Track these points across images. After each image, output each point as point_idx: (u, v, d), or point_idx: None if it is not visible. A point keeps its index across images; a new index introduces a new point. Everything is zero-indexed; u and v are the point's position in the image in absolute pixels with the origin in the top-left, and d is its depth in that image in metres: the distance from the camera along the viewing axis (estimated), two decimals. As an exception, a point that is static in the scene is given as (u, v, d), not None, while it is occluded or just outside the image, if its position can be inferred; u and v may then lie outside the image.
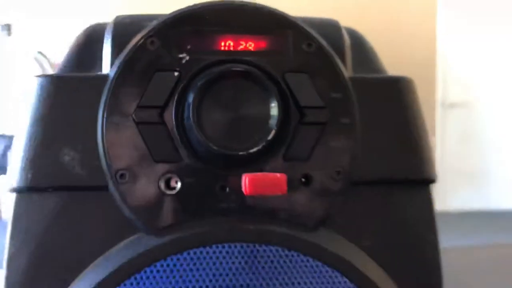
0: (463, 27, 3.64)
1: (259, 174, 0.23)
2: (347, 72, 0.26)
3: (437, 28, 3.63)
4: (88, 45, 0.28)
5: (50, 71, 2.84)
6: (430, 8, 3.61)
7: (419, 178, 0.27)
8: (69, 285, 0.24)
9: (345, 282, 0.24)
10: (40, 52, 2.89)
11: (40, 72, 2.80)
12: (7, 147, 2.69)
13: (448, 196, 3.71)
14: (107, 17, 0.30)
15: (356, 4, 3.51)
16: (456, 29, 3.65)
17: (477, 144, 3.74)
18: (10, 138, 2.42)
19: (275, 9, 0.26)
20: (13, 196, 0.25)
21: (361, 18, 3.44)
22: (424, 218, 0.27)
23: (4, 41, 3.47)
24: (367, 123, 0.26)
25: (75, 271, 0.24)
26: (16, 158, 0.25)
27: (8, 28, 3.52)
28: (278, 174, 0.23)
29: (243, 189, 0.23)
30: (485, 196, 3.75)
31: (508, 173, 3.73)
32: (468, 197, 3.70)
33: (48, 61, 2.92)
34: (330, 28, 0.27)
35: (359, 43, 0.29)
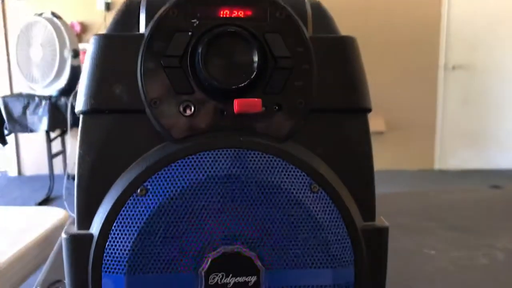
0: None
1: (243, 99, 0.35)
2: (308, 33, 0.38)
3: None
4: (128, 12, 0.39)
5: (64, 31, 2.92)
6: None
7: (358, 107, 0.38)
8: (120, 175, 0.37)
9: (303, 175, 0.37)
10: (53, 13, 2.97)
11: (54, 31, 2.85)
12: (26, 106, 2.79)
13: (449, 155, 3.83)
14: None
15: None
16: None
17: (478, 105, 3.82)
18: (27, 97, 2.52)
19: (259, -12, 0.37)
20: (81, 117, 0.37)
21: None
22: (361, 137, 0.39)
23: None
24: (321, 68, 0.37)
25: (123, 167, 0.37)
26: (82, 90, 0.37)
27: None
28: (255, 99, 0.35)
29: (234, 109, 0.35)
30: (484, 156, 3.86)
31: (507, 134, 3.82)
32: (468, 157, 3.82)
33: (62, 21, 3.00)
34: (297, 1, 0.39)
35: (320, 12, 0.40)
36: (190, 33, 0.36)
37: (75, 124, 2.91)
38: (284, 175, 0.36)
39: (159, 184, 0.35)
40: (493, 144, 3.85)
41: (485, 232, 0.81)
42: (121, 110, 0.36)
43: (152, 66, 0.36)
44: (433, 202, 1.03)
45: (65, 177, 3.12)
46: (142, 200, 0.35)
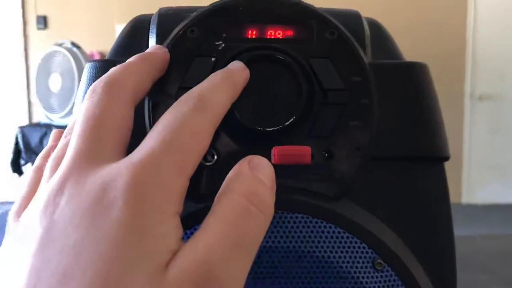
0: (494, 18, 3.57)
1: (286, 146, 0.26)
2: (366, 58, 0.29)
3: (467, 20, 3.57)
4: (134, 34, 0.31)
5: (83, 61, 2.91)
6: (461, 1, 3.55)
7: (432, 155, 0.29)
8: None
9: (363, 247, 0.27)
10: (73, 43, 2.97)
11: (73, 61, 2.86)
12: (43, 136, 2.77)
13: (476, 188, 3.67)
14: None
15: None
16: (486, 21, 3.58)
17: (506, 136, 3.68)
18: (45, 127, 2.49)
19: (301, 1, 0.29)
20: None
21: (393, 10, 3.42)
22: (437, 193, 0.30)
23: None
24: (385, 104, 0.28)
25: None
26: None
27: (44, 20, 3.64)
28: (303, 147, 0.26)
29: (272, 159, 0.26)
30: (513, 189, 3.70)
31: (538, 167, 3.66)
32: (496, 190, 3.65)
33: (81, 50, 3.00)
34: (351, 18, 0.30)
35: (378, 32, 0.31)
36: (213, 59, 0.28)
37: (91, 154, 2.86)
38: (338, 247, 0.27)
39: (170, 258, 0.26)
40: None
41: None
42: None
43: (163, 102, 0.27)
44: (480, 249, 0.92)
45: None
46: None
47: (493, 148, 3.67)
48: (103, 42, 3.63)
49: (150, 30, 0.30)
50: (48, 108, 2.97)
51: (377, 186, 0.29)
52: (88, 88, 0.28)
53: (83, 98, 0.28)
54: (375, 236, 0.27)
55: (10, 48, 3.67)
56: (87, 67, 0.29)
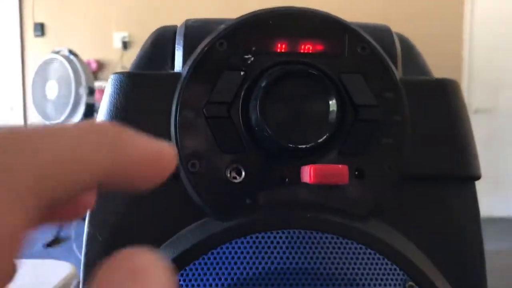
0: (489, 35, 3.60)
1: (323, 165, 0.25)
2: (398, 74, 0.28)
3: (464, 36, 3.60)
4: (158, 45, 0.30)
5: (80, 68, 2.90)
6: (457, 16, 3.58)
7: (465, 175, 0.28)
8: (142, 263, 0.27)
9: (394, 269, 0.26)
10: (70, 50, 2.96)
11: (70, 69, 2.85)
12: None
13: (471, 202, 3.68)
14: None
15: (384, 12, 3.50)
16: (481, 37, 3.60)
17: (502, 150, 3.69)
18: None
19: (332, 15, 0.28)
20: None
21: (389, 23, 3.45)
22: (469, 212, 0.29)
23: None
24: (417, 121, 0.28)
25: (147, 251, 0.27)
26: (95, 147, 0.27)
27: (41, 27, 3.63)
28: (340, 166, 0.25)
29: (307, 178, 0.25)
30: (508, 203, 3.70)
31: (534, 181, 3.67)
32: (493, 203, 3.65)
33: (78, 58, 2.99)
34: (382, 33, 0.29)
35: (408, 48, 0.31)
36: (243, 73, 0.27)
37: (87, 162, 2.84)
38: (369, 269, 0.26)
39: (196, 280, 0.25)
40: (519, 191, 3.70)
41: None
42: (146, 174, 0.27)
43: (191, 116, 0.26)
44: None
45: (75, 217, 3.02)
46: (172, 300, 0.25)
47: (488, 161, 3.67)
48: (101, 50, 3.61)
49: (176, 42, 0.29)
50: (44, 115, 2.95)
51: (409, 205, 0.28)
52: (112, 101, 0.27)
53: (107, 112, 0.27)
54: (406, 258, 0.26)
55: (7, 55, 3.64)
56: (111, 79, 0.28)
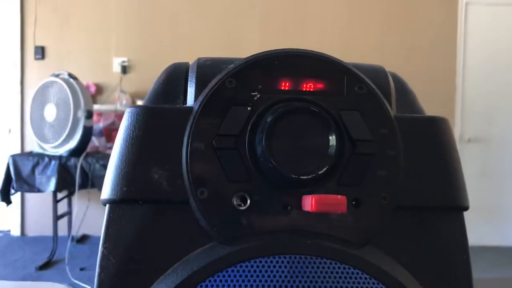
0: (481, 66, 3.67)
1: (323, 195, 0.27)
2: (392, 111, 0.31)
3: (457, 67, 3.67)
4: (171, 81, 0.32)
5: (79, 92, 2.93)
6: (451, 47, 3.65)
7: (454, 205, 0.31)
8: (151, 284, 0.28)
9: (388, 293, 0.28)
10: (70, 74, 2.99)
11: (69, 92, 2.87)
12: (35, 166, 2.74)
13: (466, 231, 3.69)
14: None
15: (379, 43, 3.58)
16: (474, 68, 3.67)
17: (495, 179, 3.72)
18: (37, 156, 2.48)
19: (332, 56, 0.31)
20: (107, 207, 0.30)
21: (387, 60, 3.52)
22: (458, 241, 0.31)
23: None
24: (409, 156, 0.30)
25: (157, 273, 0.28)
26: (110, 175, 0.30)
27: (42, 50, 3.67)
28: (339, 196, 0.27)
29: (308, 207, 0.27)
30: (502, 232, 3.71)
31: (527, 211, 3.69)
32: (486, 233, 3.66)
33: (78, 82, 3.02)
34: (378, 73, 0.32)
35: (401, 86, 0.33)
36: (249, 108, 0.29)
37: (83, 185, 2.83)
38: (365, 292, 0.28)
39: (203, 300, 0.27)
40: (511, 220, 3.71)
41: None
42: (159, 201, 0.29)
43: (201, 147, 0.29)
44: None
45: (69, 239, 3.00)
46: (180, 320, 0.27)
47: (481, 191, 3.70)
48: (101, 74, 3.65)
49: (189, 78, 0.31)
50: (42, 137, 2.96)
51: (402, 234, 0.30)
52: (127, 133, 0.30)
53: (123, 142, 0.29)
54: (399, 283, 0.28)
55: (7, 77, 3.68)
56: (127, 113, 0.30)
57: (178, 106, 0.31)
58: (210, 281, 0.28)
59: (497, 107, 3.71)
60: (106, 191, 0.29)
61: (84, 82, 3.12)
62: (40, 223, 3.68)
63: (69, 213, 3.39)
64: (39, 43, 3.71)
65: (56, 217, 3.07)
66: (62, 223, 3.33)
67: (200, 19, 3.63)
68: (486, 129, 3.72)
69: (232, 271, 0.28)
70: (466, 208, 0.31)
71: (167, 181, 0.29)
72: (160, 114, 0.30)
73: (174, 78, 0.32)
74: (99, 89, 3.70)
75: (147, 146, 0.29)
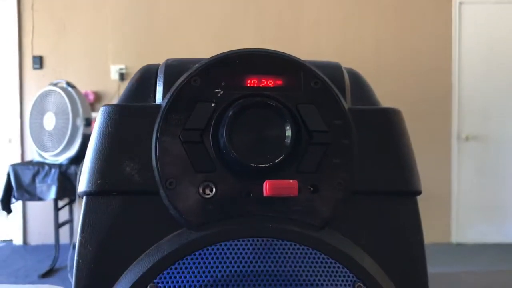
0: (477, 64, 3.69)
1: (276, 180, 0.29)
2: (346, 104, 0.33)
3: (453, 66, 3.69)
4: (143, 81, 0.35)
5: (78, 100, 2.95)
6: (446, 46, 3.68)
7: (407, 190, 0.33)
8: (126, 269, 0.31)
9: (345, 272, 0.30)
10: (68, 82, 3.02)
11: (67, 100, 2.89)
12: (35, 174, 2.76)
13: (466, 228, 3.69)
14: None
15: (375, 44, 3.60)
16: (470, 66, 3.70)
17: (493, 177, 3.73)
18: (37, 165, 2.50)
19: (290, 55, 0.33)
20: (84, 198, 0.32)
21: (384, 61, 3.54)
22: (412, 223, 0.33)
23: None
24: (364, 144, 0.32)
25: (131, 258, 0.31)
26: (86, 169, 0.32)
27: (40, 60, 3.70)
28: (290, 180, 0.29)
29: (264, 192, 0.29)
30: (501, 229, 3.72)
31: (526, 207, 3.70)
32: (486, 230, 3.68)
33: (76, 90, 3.05)
34: (333, 70, 0.34)
35: (357, 80, 0.36)
36: (213, 104, 0.31)
37: (83, 192, 2.85)
38: (323, 271, 0.30)
39: (172, 282, 0.29)
40: (510, 217, 3.72)
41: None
42: (131, 192, 0.31)
43: (169, 141, 0.31)
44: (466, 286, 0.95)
45: (71, 247, 3.03)
46: (152, 301, 0.29)
47: (480, 188, 3.71)
48: (98, 82, 3.69)
49: (157, 78, 0.34)
50: (41, 146, 2.99)
51: (359, 217, 0.32)
52: (100, 131, 0.32)
53: (97, 139, 0.32)
54: (356, 262, 0.30)
55: (6, 87, 3.71)
56: (102, 111, 0.32)
57: (147, 104, 0.33)
58: (179, 263, 0.30)
59: (494, 105, 3.73)
60: (83, 184, 0.32)
61: (82, 90, 3.15)
62: (42, 231, 3.70)
63: (70, 220, 3.41)
64: (37, 52, 3.74)
65: (58, 225, 3.09)
66: (64, 231, 3.35)
67: (197, 25, 3.66)
68: (483, 127, 3.74)
69: (200, 254, 0.30)
70: (419, 193, 0.33)
71: (138, 174, 0.31)
72: (130, 111, 0.32)
73: (145, 78, 0.35)
74: (98, 97, 3.72)
75: (119, 141, 0.32)
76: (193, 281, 0.29)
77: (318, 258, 0.30)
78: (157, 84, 0.33)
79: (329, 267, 0.30)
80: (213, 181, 0.31)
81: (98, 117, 0.32)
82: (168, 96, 0.32)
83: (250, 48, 0.33)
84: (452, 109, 3.71)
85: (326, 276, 0.30)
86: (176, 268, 0.30)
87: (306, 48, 3.53)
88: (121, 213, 0.31)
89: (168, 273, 0.29)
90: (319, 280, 0.30)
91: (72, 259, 2.67)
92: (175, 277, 0.29)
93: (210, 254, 0.30)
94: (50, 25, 3.71)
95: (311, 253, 0.30)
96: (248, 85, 0.32)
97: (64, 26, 3.71)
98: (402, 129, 0.34)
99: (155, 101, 0.33)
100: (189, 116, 0.31)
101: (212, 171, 0.31)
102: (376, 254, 0.32)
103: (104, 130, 0.32)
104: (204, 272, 0.30)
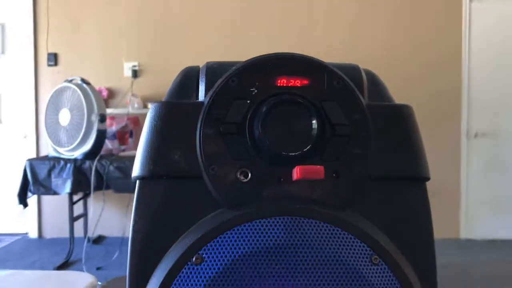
0: (487, 60, 3.70)
1: (306, 166, 0.34)
2: (364, 100, 0.38)
3: (462, 62, 3.71)
4: (185, 81, 0.40)
5: (92, 96, 3.01)
6: (456, 43, 3.69)
7: (417, 176, 0.38)
8: (174, 242, 0.36)
9: (363, 246, 0.35)
10: (83, 79, 3.08)
11: (82, 97, 2.94)
12: (51, 169, 2.83)
13: (475, 224, 3.72)
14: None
15: (385, 42, 3.63)
16: (479, 62, 3.71)
17: (503, 173, 3.75)
18: (53, 160, 2.57)
19: (315, 58, 0.38)
20: (137, 182, 0.37)
21: (394, 59, 3.57)
22: (421, 205, 0.38)
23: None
24: (379, 136, 0.37)
25: (178, 233, 0.36)
26: (140, 156, 0.37)
27: (54, 57, 3.78)
28: (318, 166, 0.34)
29: (295, 176, 0.34)
30: (510, 225, 3.74)
31: (535, 203, 3.71)
32: (496, 226, 3.70)
33: (90, 86, 3.11)
34: (352, 70, 0.39)
35: (374, 80, 0.40)
36: (249, 101, 0.36)
37: (98, 187, 2.92)
38: (343, 245, 0.35)
39: (215, 253, 0.34)
40: (520, 213, 3.74)
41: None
42: (178, 176, 0.36)
43: (211, 133, 0.36)
44: (469, 275, 0.99)
45: (85, 240, 3.10)
46: (197, 269, 0.34)
47: (489, 185, 3.74)
48: (112, 79, 3.75)
49: (199, 79, 0.39)
50: (57, 142, 3.06)
51: (375, 200, 0.37)
52: (151, 125, 0.37)
53: (148, 132, 0.37)
54: (371, 237, 0.35)
55: (22, 84, 3.79)
56: (151, 108, 0.38)
57: (191, 101, 0.38)
58: (221, 237, 0.35)
59: (503, 102, 3.74)
60: (136, 169, 0.37)
61: (96, 86, 3.21)
62: (57, 225, 3.78)
63: (84, 214, 3.49)
64: (52, 50, 3.81)
65: (72, 219, 3.16)
66: (78, 224, 3.43)
67: (209, 23, 3.71)
68: (492, 124, 3.75)
69: (238, 229, 0.35)
70: (428, 179, 0.38)
71: (184, 161, 0.36)
72: (177, 107, 0.37)
73: (188, 78, 0.40)
74: (111, 93, 3.79)
75: (168, 133, 0.37)
76: (233, 252, 0.34)
77: (339, 234, 0.35)
78: (200, 84, 0.38)
79: (349, 242, 0.35)
80: (248, 167, 0.36)
81: (149, 112, 0.37)
82: (209, 94, 0.37)
83: (280, 53, 0.38)
84: (462, 106, 3.73)
85: (345, 249, 0.35)
86: (218, 242, 0.35)
87: (317, 45, 3.57)
88: (170, 194, 0.36)
89: (211, 245, 0.35)
90: (339, 253, 0.35)
91: (86, 252, 2.72)
92: (217, 249, 0.34)
93: (247, 229, 0.35)
94: (65, 23, 3.78)
95: (333, 230, 0.35)
96: (279, 84, 0.37)
97: (78, 24, 3.78)
98: (413, 122, 0.38)
99: (197, 99, 0.38)
100: (227, 112, 0.36)
101: (248, 159, 0.36)
102: (390, 232, 0.37)
103: (154, 124, 0.37)
104: (242, 244, 0.34)
